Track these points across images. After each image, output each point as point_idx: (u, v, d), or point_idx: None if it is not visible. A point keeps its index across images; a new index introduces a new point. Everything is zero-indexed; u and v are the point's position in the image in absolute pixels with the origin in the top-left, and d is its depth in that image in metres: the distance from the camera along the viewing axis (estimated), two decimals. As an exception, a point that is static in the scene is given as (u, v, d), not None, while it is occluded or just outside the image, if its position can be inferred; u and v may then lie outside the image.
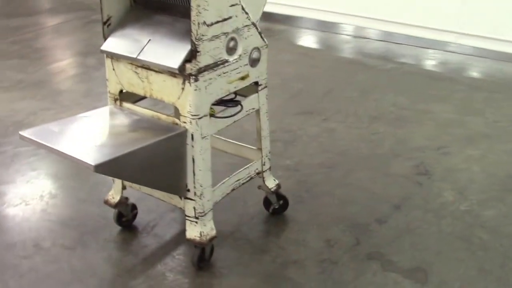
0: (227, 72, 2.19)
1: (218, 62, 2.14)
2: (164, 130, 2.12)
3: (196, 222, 2.28)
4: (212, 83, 2.14)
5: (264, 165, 2.57)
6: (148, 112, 2.26)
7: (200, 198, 2.25)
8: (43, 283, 2.31)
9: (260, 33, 2.30)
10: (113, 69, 2.29)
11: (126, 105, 2.32)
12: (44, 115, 3.80)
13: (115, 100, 2.34)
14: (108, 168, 1.87)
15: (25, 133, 2.01)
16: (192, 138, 2.15)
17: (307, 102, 4.03)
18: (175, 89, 2.12)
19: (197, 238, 2.29)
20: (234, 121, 2.34)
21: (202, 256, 2.35)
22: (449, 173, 3.07)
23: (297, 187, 2.96)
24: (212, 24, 2.05)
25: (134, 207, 2.65)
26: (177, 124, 2.16)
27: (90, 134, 2.05)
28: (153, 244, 2.56)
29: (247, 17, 2.21)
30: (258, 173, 2.57)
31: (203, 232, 2.30)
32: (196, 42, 2.01)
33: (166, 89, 2.15)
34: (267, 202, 2.72)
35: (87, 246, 2.53)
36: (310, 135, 3.53)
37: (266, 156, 2.57)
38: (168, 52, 2.08)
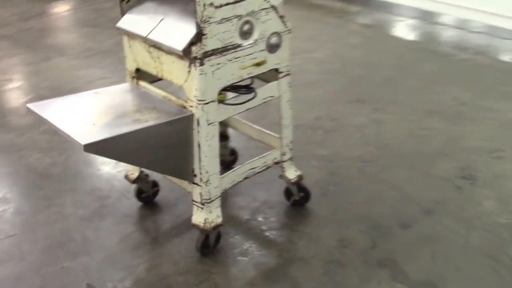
0: (239, 57, 2.10)
1: (229, 46, 2.05)
2: (170, 113, 2.08)
3: (202, 208, 2.24)
4: (221, 68, 2.06)
5: (284, 155, 2.47)
6: (161, 93, 2.23)
7: (206, 185, 2.20)
8: (53, 252, 2.37)
9: (281, 17, 2.18)
10: (129, 47, 2.27)
11: (142, 83, 2.30)
12: (100, 84, 3.90)
13: (132, 77, 2.32)
14: (99, 148, 1.86)
15: (31, 105, 2.04)
16: (198, 123, 2.09)
17: (363, 89, 3.84)
18: (182, 71, 2.06)
19: (201, 225, 2.25)
20: (247, 109, 2.25)
21: (206, 243, 2.31)
22: (496, 180, 2.81)
23: (327, 179, 2.83)
24: (221, 5, 1.96)
25: (155, 184, 2.65)
26: (185, 107, 2.11)
27: (93, 112, 2.05)
28: (167, 224, 2.56)
29: (266, 0, 2.09)
30: (276, 163, 2.47)
31: (207, 219, 2.25)
32: (202, 25, 1.94)
33: (175, 70, 2.10)
34: (288, 193, 2.63)
35: (104, 219, 2.58)
36: (355, 125, 3.37)
37: (287, 146, 2.47)
38: (177, 33, 2.02)
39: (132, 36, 2.21)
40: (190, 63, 2.02)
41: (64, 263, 2.31)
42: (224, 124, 2.77)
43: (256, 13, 2.09)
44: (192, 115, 2.08)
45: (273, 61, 2.24)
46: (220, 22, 1.98)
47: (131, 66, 2.31)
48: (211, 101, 2.08)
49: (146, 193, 2.64)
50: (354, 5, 5.70)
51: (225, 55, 2.05)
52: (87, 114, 2.02)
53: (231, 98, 2.19)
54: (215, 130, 2.14)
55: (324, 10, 5.67)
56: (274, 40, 2.19)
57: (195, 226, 2.27)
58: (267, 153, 2.44)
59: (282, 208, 2.64)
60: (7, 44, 4.85)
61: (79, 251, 2.38)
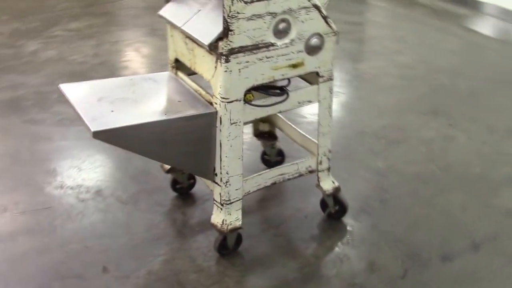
0: (272, 57, 1.98)
1: (260, 45, 1.94)
2: (194, 108, 2.02)
3: (221, 209, 2.16)
4: (249, 66, 1.95)
5: (320, 164, 2.32)
6: (194, 86, 2.16)
7: (225, 186, 2.12)
8: (82, 231, 2.40)
9: (325, 17, 2.02)
10: (171, 36, 2.23)
11: (180, 74, 2.26)
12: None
13: (172, 67, 2.28)
14: (108, 136, 1.83)
15: (63, 86, 2.06)
16: (221, 122, 2.00)
17: (441, 101, 3.55)
18: (210, 66, 1.98)
19: (219, 225, 2.17)
20: (280, 111, 2.13)
21: (224, 244, 2.24)
22: None
23: (373, 195, 2.64)
24: (252, 1, 1.85)
25: (191, 176, 2.61)
26: (211, 103, 2.03)
27: (117, 98, 2.02)
28: (196, 219, 2.51)
29: (307, -2, 1.95)
30: (310, 171, 2.33)
31: (225, 220, 2.17)
32: (229, 20, 1.84)
33: (204, 65, 2.03)
34: (323, 204, 2.48)
35: (138, 204, 2.58)
36: (422, 139, 3.11)
37: (324, 155, 2.31)
38: (208, 26, 1.94)
39: (172, 25, 2.16)
40: (217, 59, 1.93)
41: (88, 243, 2.34)
42: (271, 123, 2.67)
43: (295, 12, 1.96)
44: (215, 113, 2.00)
45: (312, 64, 2.09)
46: (250, 18, 1.87)
47: (171, 55, 2.27)
48: (236, 100, 1.98)
49: (181, 185, 2.60)
50: (463, 7, 5.30)
51: (255, 53, 1.94)
52: (111, 100, 2.00)
53: (260, 99, 2.07)
54: (239, 131, 2.04)
55: (427, 9, 5.33)
56: (314, 41, 2.04)
57: (213, 225, 2.20)
58: (301, 160, 2.30)
59: (317, 219, 2.49)
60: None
61: (106, 233, 2.40)
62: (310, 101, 2.18)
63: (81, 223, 2.45)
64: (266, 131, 2.72)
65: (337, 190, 2.39)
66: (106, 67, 3.99)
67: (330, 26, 2.06)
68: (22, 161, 2.89)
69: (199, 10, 2.04)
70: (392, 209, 2.55)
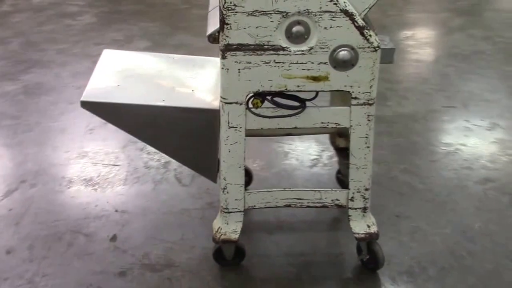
0: (283, 62, 1.70)
1: (266, 46, 1.67)
2: (199, 101, 1.86)
3: (221, 215, 1.99)
4: (252, 68, 1.70)
5: (352, 200, 1.95)
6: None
7: (223, 193, 1.93)
8: (127, 199, 2.45)
9: (361, 27, 1.65)
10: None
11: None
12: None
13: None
14: (95, 109, 1.81)
15: (106, 51, 2.09)
16: (220, 122, 1.81)
17: None
18: (220, 60, 1.79)
19: (213, 231, 2.00)
20: (297, 128, 1.83)
21: (219, 253, 2.06)
22: None
23: (434, 257, 2.13)
24: (253, -6, 1.60)
25: (246, 173, 2.43)
26: (221, 100, 1.85)
27: (139, 74, 1.98)
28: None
29: (333, 1, 1.61)
30: (339, 206, 1.98)
31: (221, 228, 1.99)
32: (225, 12, 1.62)
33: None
34: (359, 247, 2.09)
35: (190, 187, 2.52)
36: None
37: (358, 192, 1.94)
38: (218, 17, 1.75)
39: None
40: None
41: (122, 208, 2.38)
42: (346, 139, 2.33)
43: (314, 15, 1.63)
44: (216, 111, 1.81)
45: (341, 81, 1.73)
46: (251, 14, 1.62)
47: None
48: (235, 103, 1.76)
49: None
50: None
51: (259, 55, 1.68)
52: (131, 74, 1.97)
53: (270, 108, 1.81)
54: (239, 137, 1.82)
55: None
56: (343, 55, 1.68)
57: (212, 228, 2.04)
58: (325, 189, 1.97)
59: (349, 261, 2.12)
60: None
61: (146, 203, 2.41)
62: (339, 124, 1.82)
63: (127, 194, 2.49)
64: (342, 147, 2.38)
65: (372, 236, 1.99)
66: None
67: (367, 39, 1.66)
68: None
69: None
70: (451, 280, 2.03)
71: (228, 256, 2.07)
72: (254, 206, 1.98)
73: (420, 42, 3.99)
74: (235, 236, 1.98)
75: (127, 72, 1.97)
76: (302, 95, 1.82)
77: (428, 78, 3.48)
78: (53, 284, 2.03)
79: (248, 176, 2.47)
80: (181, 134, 1.89)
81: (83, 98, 1.80)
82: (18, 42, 3.92)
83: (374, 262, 2.04)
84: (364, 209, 1.97)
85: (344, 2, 1.62)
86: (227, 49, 1.68)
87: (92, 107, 1.81)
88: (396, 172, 2.60)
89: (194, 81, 1.99)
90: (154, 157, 2.70)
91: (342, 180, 2.48)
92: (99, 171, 2.60)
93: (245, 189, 1.92)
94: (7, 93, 3.29)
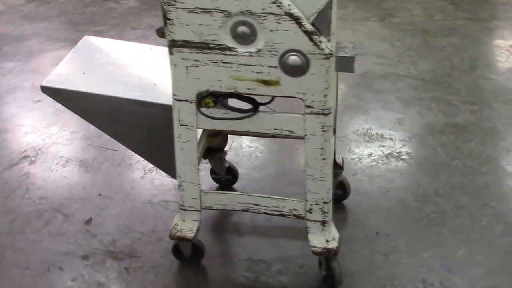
0: (231, 63, 1.64)
1: (212, 45, 1.62)
2: (159, 96, 1.85)
3: (179, 211, 1.97)
4: (200, 67, 1.66)
5: (310, 212, 1.86)
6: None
7: (179, 190, 1.91)
8: (114, 185, 2.50)
9: (309, 32, 1.55)
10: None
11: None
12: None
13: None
14: (55, 95, 1.84)
15: (88, 37, 2.12)
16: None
17: None
18: (175, 56, 1.76)
19: (171, 227, 1.99)
20: (249, 132, 1.77)
21: (177, 249, 2.05)
22: None
23: (405, 283, 1.99)
24: (194, -10, 1.55)
25: (230, 171, 2.41)
26: (181, 96, 1.82)
27: (109, 63, 1.99)
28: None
29: (276, 3, 1.53)
30: (297, 216, 1.90)
31: (177, 225, 1.98)
32: (165, 7, 1.59)
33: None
34: (320, 262, 2.00)
35: (180, 178, 2.52)
36: None
37: (316, 204, 1.84)
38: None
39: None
40: (171, 49, 1.70)
41: (106, 193, 2.42)
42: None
43: (258, 16, 1.55)
44: (168, 106, 1.78)
45: (293, 87, 1.65)
46: (192, 11, 1.57)
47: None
48: (185, 101, 1.73)
49: (218, 176, 2.43)
50: None
51: (206, 53, 1.63)
52: (101, 62, 1.98)
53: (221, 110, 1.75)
54: (191, 136, 1.78)
55: None
56: (293, 60, 1.60)
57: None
58: (282, 197, 1.89)
59: (308, 273, 2.04)
60: None
61: (130, 191, 2.44)
62: (292, 132, 1.74)
63: (119, 173, 2.54)
64: (212, 147, 2.28)
65: (329, 252, 1.89)
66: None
67: (317, 45, 1.57)
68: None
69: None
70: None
71: (186, 253, 2.05)
72: (211, 207, 1.94)
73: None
74: (190, 235, 1.96)
75: (99, 60, 1.99)
76: (259, 99, 1.76)
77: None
78: (19, 259, 2.11)
79: (233, 175, 2.43)
80: (138, 127, 1.88)
81: (43, 83, 1.84)
82: (59, 21, 4.08)
83: (332, 279, 1.94)
84: (323, 223, 1.87)
85: (289, 4, 1.53)
86: (173, 45, 1.64)
87: (52, 92, 1.85)
88: (390, 186, 2.46)
89: (162, 74, 1.97)
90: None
91: (219, 179, 2.42)
92: (97, 154, 2.66)
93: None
94: (36, 69, 3.44)
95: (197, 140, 1.80)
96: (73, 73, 1.91)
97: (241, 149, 2.69)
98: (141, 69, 1.99)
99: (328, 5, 1.78)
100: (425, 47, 3.67)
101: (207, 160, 2.36)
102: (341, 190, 2.32)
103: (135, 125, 1.88)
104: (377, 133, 2.80)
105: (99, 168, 2.57)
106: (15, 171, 2.56)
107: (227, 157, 2.57)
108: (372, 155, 2.64)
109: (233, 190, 2.44)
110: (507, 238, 2.17)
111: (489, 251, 2.10)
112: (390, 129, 2.83)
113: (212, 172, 2.43)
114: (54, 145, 2.72)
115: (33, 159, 2.63)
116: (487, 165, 2.55)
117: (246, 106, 1.75)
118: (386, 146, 2.71)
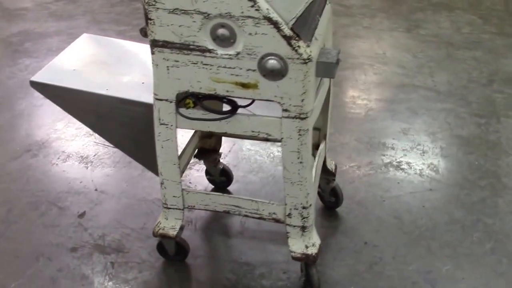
0: (210, 65, 1.65)
1: (192, 46, 1.64)
2: (144, 95, 1.88)
3: (162, 209, 2.00)
4: (180, 67, 1.68)
5: (289, 216, 1.86)
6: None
7: (161, 188, 1.93)
8: (111, 181, 2.54)
9: (288, 37, 1.56)
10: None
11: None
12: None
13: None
14: (43, 91, 1.90)
15: (86, 35, 2.17)
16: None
17: None
18: (160, 56, 1.78)
19: (155, 225, 2.02)
20: (227, 133, 1.78)
21: (161, 247, 2.07)
22: None
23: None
24: (173, -9, 1.57)
25: (224, 173, 2.42)
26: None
27: (102, 61, 2.03)
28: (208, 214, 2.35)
29: (255, 6, 1.53)
30: (277, 220, 1.90)
31: (160, 223, 2.00)
32: (146, 7, 1.61)
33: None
34: (301, 267, 1.99)
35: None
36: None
37: (296, 209, 1.84)
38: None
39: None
40: (154, 48, 1.73)
41: (103, 188, 2.47)
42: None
43: (237, 19, 1.56)
44: (146, 105, 1.81)
45: (271, 91, 1.65)
46: (172, 11, 1.59)
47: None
48: (165, 100, 1.75)
49: (213, 177, 2.45)
50: None
51: (186, 54, 1.65)
52: (94, 60, 2.02)
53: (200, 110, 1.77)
54: (171, 135, 1.80)
55: None
56: (272, 64, 1.60)
57: (156, 223, 2.05)
58: (263, 200, 1.89)
59: (294, 280, 2.03)
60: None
61: (126, 188, 2.48)
62: (269, 135, 1.74)
63: (117, 170, 2.58)
64: (205, 148, 2.31)
65: (307, 258, 1.88)
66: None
67: (295, 50, 1.57)
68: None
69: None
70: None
71: (170, 251, 2.07)
72: (194, 206, 1.96)
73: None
74: (173, 233, 1.98)
75: (92, 58, 2.03)
76: (240, 101, 1.77)
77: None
78: (10, 248, 2.17)
79: (227, 177, 2.45)
80: (122, 125, 1.91)
81: (32, 78, 1.89)
82: (84, 20, 4.17)
83: (310, 286, 1.93)
84: (303, 228, 1.87)
85: (267, 9, 1.53)
86: (154, 45, 1.67)
87: (40, 87, 1.89)
88: (386, 195, 2.43)
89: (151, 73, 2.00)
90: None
91: (213, 180, 2.43)
92: (97, 150, 2.71)
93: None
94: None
95: (176, 139, 1.82)
96: (63, 69, 1.96)
97: (241, 152, 2.70)
98: (134, 68, 2.02)
99: (317, 11, 1.80)
100: (447, 59, 3.61)
101: (202, 161, 2.39)
102: (333, 197, 2.31)
103: (119, 123, 1.92)
104: (379, 142, 2.77)
105: (98, 164, 2.62)
106: (18, 163, 2.63)
107: (227, 159, 2.59)
108: (372, 163, 2.62)
109: (228, 192, 2.45)
110: (495, 256, 2.12)
111: (475, 268, 2.06)
112: (393, 139, 2.80)
113: (207, 173, 2.45)
114: (57, 140, 2.78)
115: (36, 152, 2.70)
116: (486, 179, 2.49)
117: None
118: (387, 155, 2.68)
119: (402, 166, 2.60)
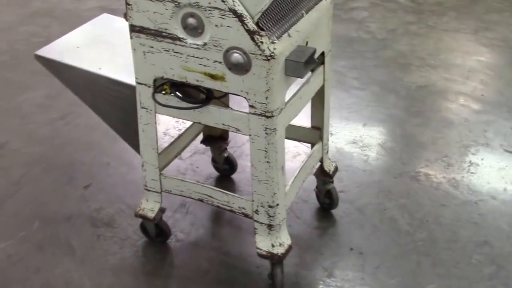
0: (181, 53, 1.66)
1: (164, 34, 1.65)
2: (132, 76, 1.92)
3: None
4: (155, 54, 1.70)
5: (256, 213, 1.84)
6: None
7: (142, 170, 1.98)
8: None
9: (251, 31, 1.53)
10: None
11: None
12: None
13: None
14: (47, 65, 1.99)
15: (105, 15, 2.24)
16: (137, 100, 1.86)
17: None
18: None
19: (136, 205, 2.07)
20: (200, 123, 1.79)
21: (143, 227, 2.13)
22: None
23: None
24: (147, -22, 1.59)
25: (228, 162, 2.43)
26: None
27: (107, 41, 2.09)
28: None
29: (221, -2, 1.52)
30: (245, 215, 1.89)
31: (141, 203, 2.05)
32: (125, -9, 1.65)
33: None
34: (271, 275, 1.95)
35: (184, 161, 2.58)
36: None
37: (262, 207, 1.82)
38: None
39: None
40: (136, 33, 1.76)
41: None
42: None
43: (204, 10, 1.55)
44: (132, 87, 1.85)
45: (237, 85, 1.63)
46: (149, -1, 1.61)
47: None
48: (144, 84, 1.78)
49: (218, 164, 2.46)
50: None
51: (159, 41, 1.67)
52: (100, 40, 2.09)
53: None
54: (150, 119, 1.84)
55: None
56: (236, 57, 1.58)
57: (140, 203, 2.11)
58: (234, 194, 1.88)
59: (262, 275, 2.01)
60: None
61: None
62: (238, 130, 1.72)
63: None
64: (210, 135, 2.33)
65: (272, 257, 1.86)
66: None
67: (257, 45, 1.54)
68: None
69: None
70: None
71: (151, 232, 2.12)
72: (171, 191, 1.99)
73: None
74: (151, 215, 2.02)
75: (100, 38, 2.10)
76: (217, 92, 1.76)
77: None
78: (12, 210, 2.31)
79: (230, 165, 2.45)
80: (113, 104, 1.97)
81: (37, 52, 1.99)
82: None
83: (272, 286, 1.91)
84: (270, 227, 1.84)
85: (233, 1, 1.51)
86: (132, 30, 1.70)
87: (43, 62, 1.99)
88: (390, 204, 2.33)
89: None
90: (179, 126, 2.79)
91: (217, 167, 2.44)
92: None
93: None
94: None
95: (155, 124, 1.85)
96: (68, 46, 2.04)
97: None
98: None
99: (303, 7, 1.75)
100: (507, 67, 3.37)
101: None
102: (328, 199, 2.25)
103: (110, 102, 1.97)
104: (399, 149, 2.65)
105: (118, 139, 2.71)
106: (49, 128, 2.78)
107: (237, 150, 2.59)
108: (387, 170, 2.51)
109: (231, 180, 2.46)
110: (491, 283, 1.97)
111: (462, 293, 1.94)
112: (417, 147, 2.66)
113: (213, 160, 2.47)
114: (89, 111, 2.91)
115: (69, 120, 2.84)
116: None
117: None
118: (405, 163, 2.56)
119: (418, 177, 2.48)
